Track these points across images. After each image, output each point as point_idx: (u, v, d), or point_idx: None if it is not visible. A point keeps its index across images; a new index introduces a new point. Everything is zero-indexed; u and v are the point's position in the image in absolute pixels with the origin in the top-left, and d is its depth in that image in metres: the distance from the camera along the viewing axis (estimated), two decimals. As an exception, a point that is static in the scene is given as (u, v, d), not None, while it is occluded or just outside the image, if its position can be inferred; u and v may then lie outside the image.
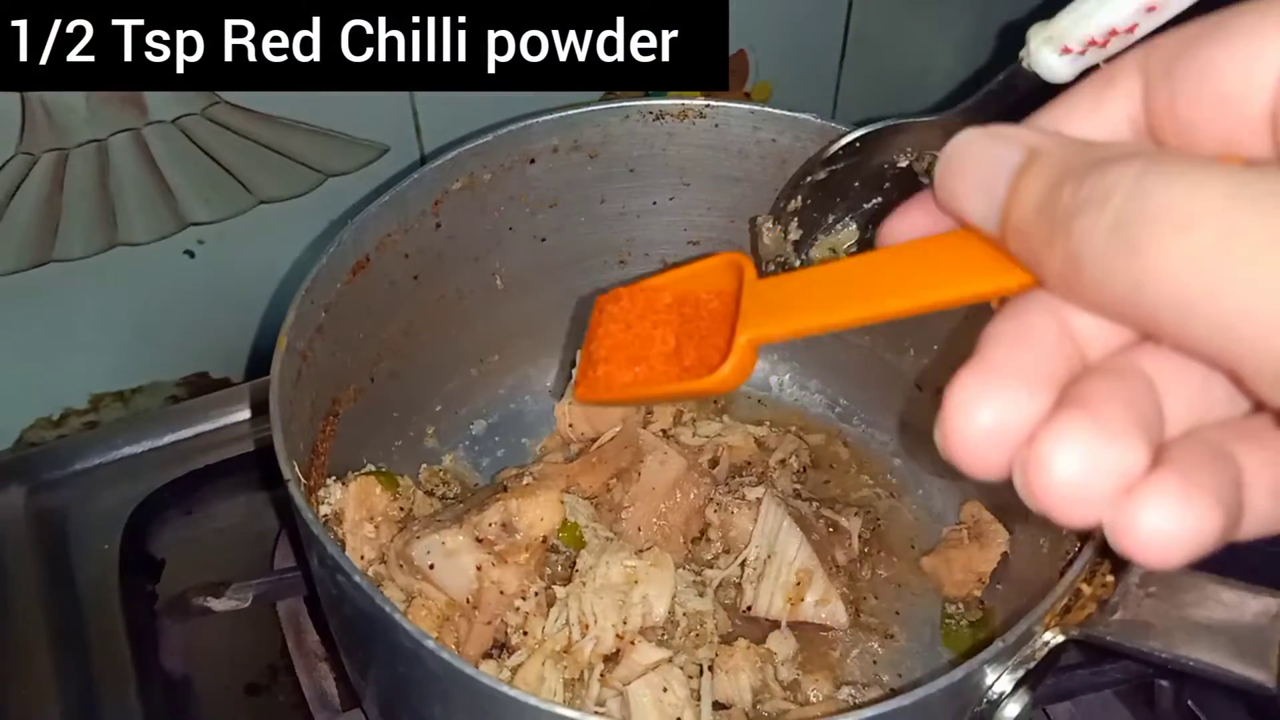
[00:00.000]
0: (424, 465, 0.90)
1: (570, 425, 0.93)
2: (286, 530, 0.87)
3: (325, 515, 0.75)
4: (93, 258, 0.88)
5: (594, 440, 0.91)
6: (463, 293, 0.88)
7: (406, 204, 0.80)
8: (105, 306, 0.92)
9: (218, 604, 0.82)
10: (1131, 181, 0.29)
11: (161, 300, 0.94)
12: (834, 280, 0.40)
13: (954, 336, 0.86)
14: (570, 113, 0.83)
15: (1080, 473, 0.30)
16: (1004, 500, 0.85)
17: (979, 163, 0.34)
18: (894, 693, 0.80)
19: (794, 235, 0.78)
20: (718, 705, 0.74)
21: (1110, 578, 0.59)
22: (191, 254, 0.92)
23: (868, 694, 0.79)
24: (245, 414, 0.95)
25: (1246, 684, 0.53)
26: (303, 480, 0.67)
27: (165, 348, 0.98)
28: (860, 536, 0.86)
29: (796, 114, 0.85)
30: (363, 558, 0.76)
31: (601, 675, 0.71)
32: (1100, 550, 0.60)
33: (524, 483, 0.77)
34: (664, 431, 0.92)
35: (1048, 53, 0.56)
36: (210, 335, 0.99)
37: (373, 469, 0.79)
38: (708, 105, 0.85)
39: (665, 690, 0.69)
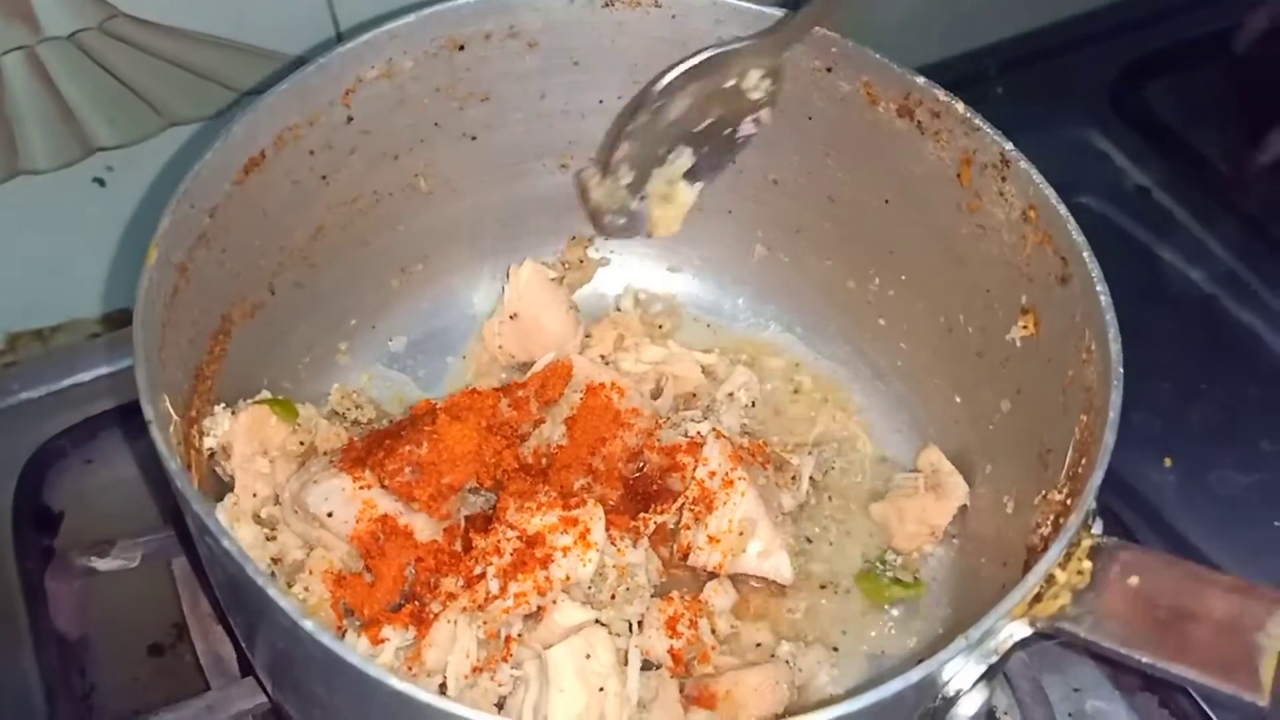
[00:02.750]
0: (336, 385, 0.81)
1: (500, 346, 0.85)
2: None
3: (211, 449, 0.66)
4: (-7, 188, 0.80)
5: (525, 365, 0.83)
6: (380, 195, 0.79)
7: (311, 93, 0.70)
8: (11, 240, 0.84)
9: (103, 564, 0.74)
10: None
11: (73, 232, 0.86)
12: None
13: (922, 269, 0.78)
14: (507, -8, 0.73)
15: None
16: (967, 446, 0.78)
17: None
18: (835, 650, 0.75)
19: (625, 180, 0.74)
20: (646, 665, 0.68)
21: (1088, 563, 0.53)
22: (101, 182, 0.84)
23: (809, 652, 0.73)
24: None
25: (1236, 701, 0.47)
26: (174, 418, 0.58)
27: (81, 283, 0.90)
28: (810, 479, 0.80)
29: (763, 8, 0.75)
30: (255, 495, 0.68)
31: (519, 635, 0.65)
32: (1079, 530, 0.54)
33: (439, 418, 0.69)
34: (603, 357, 0.83)
35: None
36: (128, 269, 0.88)
37: (268, 397, 0.70)
38: (664, -8, 0.75)
39: (589, 656, 0.62)
